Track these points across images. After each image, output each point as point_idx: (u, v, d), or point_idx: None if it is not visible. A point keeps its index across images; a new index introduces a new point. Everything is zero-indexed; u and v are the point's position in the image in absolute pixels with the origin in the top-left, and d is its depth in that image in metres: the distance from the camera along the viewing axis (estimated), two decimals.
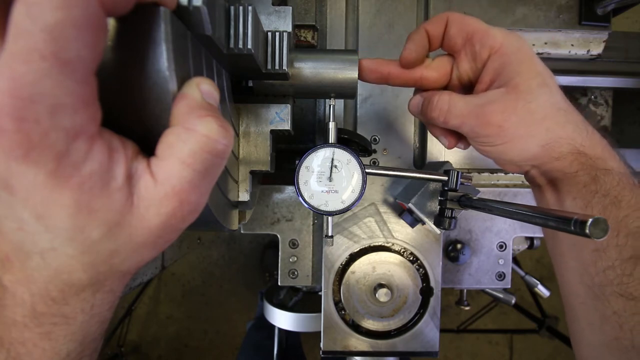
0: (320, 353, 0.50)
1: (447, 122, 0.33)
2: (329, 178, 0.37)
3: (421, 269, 0.49)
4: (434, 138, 0.51)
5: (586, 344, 0.34)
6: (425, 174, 0.38)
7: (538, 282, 0.74)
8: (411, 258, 0.49)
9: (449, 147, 0.38)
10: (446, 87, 0.36)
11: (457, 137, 0.37)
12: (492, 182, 0.54)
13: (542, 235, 0.55)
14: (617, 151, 0.32)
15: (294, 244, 0.53)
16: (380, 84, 0.36)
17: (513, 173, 0.36)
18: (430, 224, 0.42)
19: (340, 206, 0.37)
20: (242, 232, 0.52)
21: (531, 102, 0.30)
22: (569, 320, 0.36)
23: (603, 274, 0.30)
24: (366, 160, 0.50)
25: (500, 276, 0.54)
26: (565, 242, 0.33)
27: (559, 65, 0.52)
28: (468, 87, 0.35)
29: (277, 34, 0.31)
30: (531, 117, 0.31)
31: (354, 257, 0.49)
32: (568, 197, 0.32)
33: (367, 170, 0.37)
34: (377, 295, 0.47)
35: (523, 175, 0.37)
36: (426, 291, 0.49)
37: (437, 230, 0.42)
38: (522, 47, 0.31)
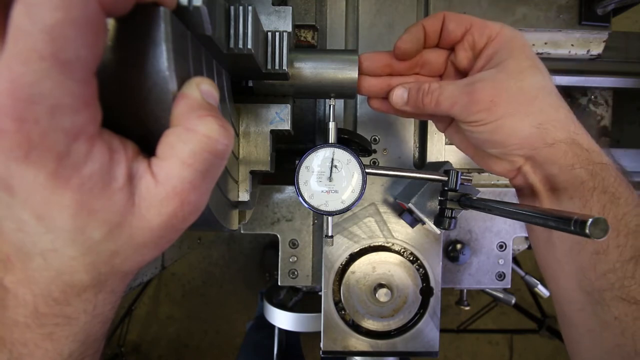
0: (320, 353, 0.50)
1: (439, 105, 0.32)
2: (329, 178, 0.37)
3: (421, 269, 0.49)
4: (434, 138, 0.51)
5: (585, 352, 0.32)
6: (425, 174, 0.38)
7: (538, 282, 0.74)
8: (411, 258, 0.49)
9: (442, 130, 0.38)
10: (441, 78, 0.37)
11: (448, 123, 0.37)
12: (492, 182, 0.54)
13: None
14: (607, 149, 0.32)
15: (294, 244, 0.53)
16: (383, 75, 0.36)
17: (504, 175, 0.35)
18: (430, 224, 0.42)
19: (340, 206, 0.37)
20: (242, 232, 0.52)
21: (523, 81, 0.30)
22: (565, 329, 0.34)
23: (603, 277, 0.29)
24: (366, 160, 0.50)
25: (500, 276, 0.54)
26: (561, 247, 0.32)
27: (559, 65, 0.52)
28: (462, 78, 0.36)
29: (277, 34, 0.31)
30: (523, 95, 0.30)
31: (354, 257, 0.49)
32: (565, 196, 0.31)
33: (367, 170, 0.37)
34: (377, 295, 0.47)
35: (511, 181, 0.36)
36: (426, 291, 0.49)
37: (437, 230, 0.42)
38: (516, 36, 0.32)
